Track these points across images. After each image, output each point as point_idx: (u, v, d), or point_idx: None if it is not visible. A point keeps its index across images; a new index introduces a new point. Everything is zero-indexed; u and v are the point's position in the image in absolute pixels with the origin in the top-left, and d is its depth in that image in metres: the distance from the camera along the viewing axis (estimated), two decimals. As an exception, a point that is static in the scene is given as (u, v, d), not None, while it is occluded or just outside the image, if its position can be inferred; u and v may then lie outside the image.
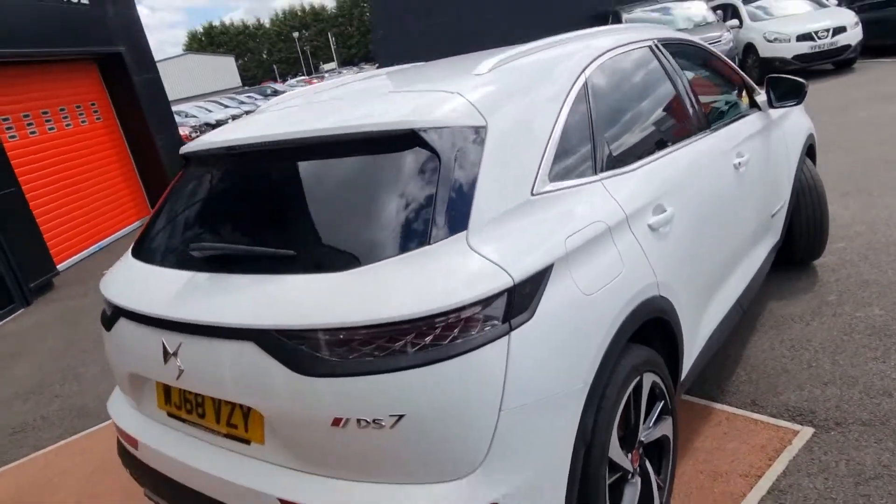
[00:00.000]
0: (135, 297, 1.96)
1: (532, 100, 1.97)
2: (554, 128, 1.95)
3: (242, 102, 33.51)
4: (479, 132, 1.76)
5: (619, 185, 2.07)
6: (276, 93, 40.20)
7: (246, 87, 53.25)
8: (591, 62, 2.28)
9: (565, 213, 1.82)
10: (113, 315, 2.08)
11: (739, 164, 2.88)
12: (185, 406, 1.93)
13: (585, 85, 2.17)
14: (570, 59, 2.24)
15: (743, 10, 12.84)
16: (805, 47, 11.40)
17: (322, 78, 50.13)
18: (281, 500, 1.62)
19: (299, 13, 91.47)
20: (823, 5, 12.57)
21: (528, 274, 1.58)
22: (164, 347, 1.82)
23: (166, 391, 1.99)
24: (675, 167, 2.41)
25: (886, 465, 2.37)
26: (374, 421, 1.49)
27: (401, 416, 1.47)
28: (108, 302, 2.12)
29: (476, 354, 1.47)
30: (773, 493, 2.35)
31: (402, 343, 1.48)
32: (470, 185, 1.67)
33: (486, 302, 1.50)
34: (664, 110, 2.66)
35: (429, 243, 1.58)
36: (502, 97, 1.91)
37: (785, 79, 3.42)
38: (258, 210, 1.92)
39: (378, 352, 1.49)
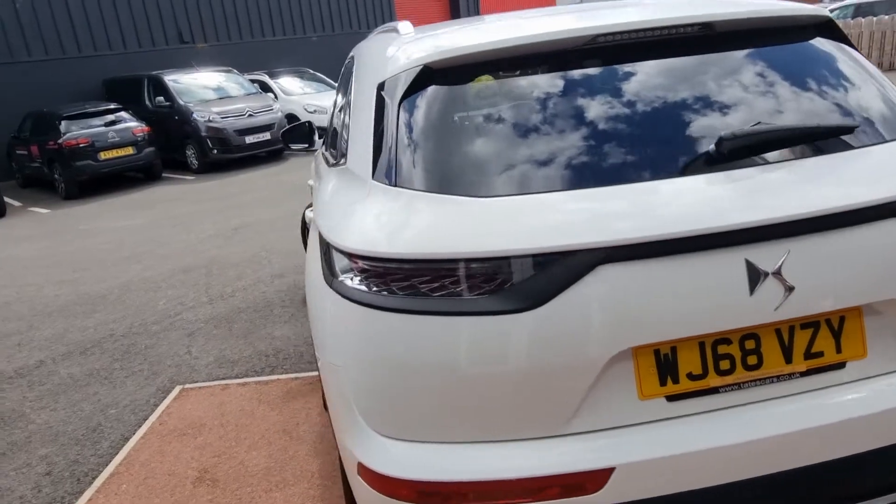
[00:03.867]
0: (647, 224, 1.34)
1: None
2: None
3: None
4: None
5: None
6: None
7: None
8: None
9: None
10: (573, 268, 1.34)
11: None
12: (716, 367, 1.42)
13: None
14: None
15: (274, 85, 13.86)
16: (340, 118, 13.08)
17: None
18: None
19: None
20: (333, 86, 14.64)
21: None
22: (752, 270, 1.34)
23: (667, 361, 1.40)
24: None
25: None
26: None
27: None
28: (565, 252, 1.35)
29: None
30: None
31: None
32: None
33: None
34: None
35: None
36: None
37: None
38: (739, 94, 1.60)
39: None
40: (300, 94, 13.81)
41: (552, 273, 1.34)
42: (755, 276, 1.36)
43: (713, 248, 1.35)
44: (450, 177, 1.51)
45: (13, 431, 3.36)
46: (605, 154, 1.49)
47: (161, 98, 12.14)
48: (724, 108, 1.57)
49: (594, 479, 1.38)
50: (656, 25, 1.62)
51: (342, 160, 2.12)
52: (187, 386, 3.64)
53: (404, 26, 2.07)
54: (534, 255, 1.34)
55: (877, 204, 1.40)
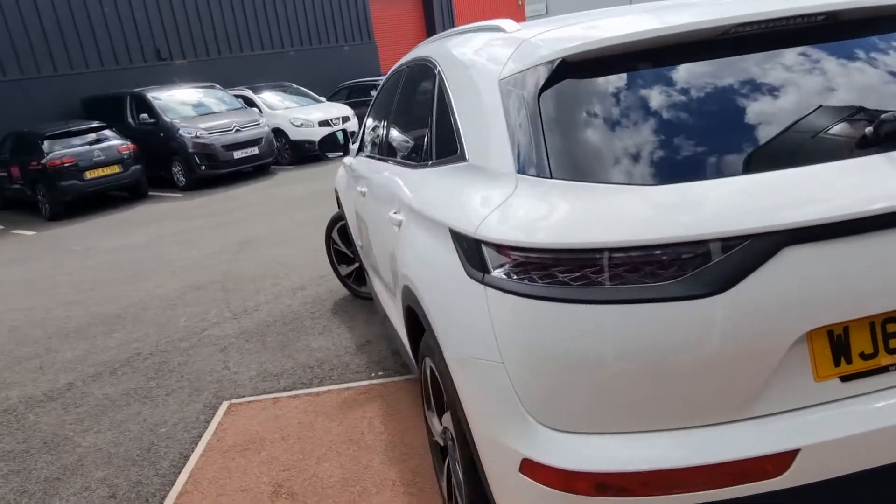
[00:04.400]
0: (831, 206, 1.35)
1: None
2: None
3: None
4: None
5: None
6: None
7: None
8: None
9: None
10: (759, 251, 1.35)
11: None
12: (885, 346, 1.44)
13: None
14: None
15: (258, 99, 13.72)
16: (326, 132, 12.99)
17: None
18: None
19: None
20: (318, 100, 14.57)
21: None
22: None
23: (840, 342, 1.41)
24: None
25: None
26: None
27: None
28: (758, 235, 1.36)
29: None
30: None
31: None
32: None
33: None
34: None
35: None
36: None
37: None
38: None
39: None
40: (284, 109, 13.70)
41: (738, 256, 1.34)
42: None
43: (890, 227, 1.37)
44: (616, 166, 1.51)
45: (61, 455, 3.23)
46: (762, 140, 1.51)
47: (145, 115, 11.92)
48: (869, 93, 1.60)
49: (778, 462, 1.38)
50: (796, 14, 1.64)
51: (450, 158, 2.08)
52: (234, 401, 3.55)
53: (509, 24, 2.07)
54: (720, 240, 1.34)
55: None
